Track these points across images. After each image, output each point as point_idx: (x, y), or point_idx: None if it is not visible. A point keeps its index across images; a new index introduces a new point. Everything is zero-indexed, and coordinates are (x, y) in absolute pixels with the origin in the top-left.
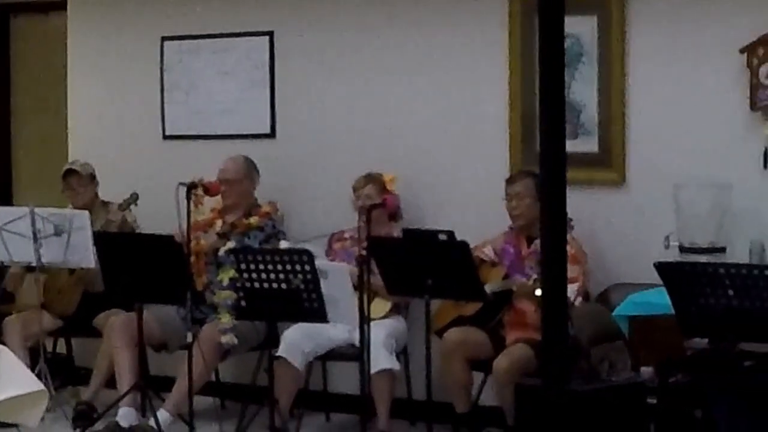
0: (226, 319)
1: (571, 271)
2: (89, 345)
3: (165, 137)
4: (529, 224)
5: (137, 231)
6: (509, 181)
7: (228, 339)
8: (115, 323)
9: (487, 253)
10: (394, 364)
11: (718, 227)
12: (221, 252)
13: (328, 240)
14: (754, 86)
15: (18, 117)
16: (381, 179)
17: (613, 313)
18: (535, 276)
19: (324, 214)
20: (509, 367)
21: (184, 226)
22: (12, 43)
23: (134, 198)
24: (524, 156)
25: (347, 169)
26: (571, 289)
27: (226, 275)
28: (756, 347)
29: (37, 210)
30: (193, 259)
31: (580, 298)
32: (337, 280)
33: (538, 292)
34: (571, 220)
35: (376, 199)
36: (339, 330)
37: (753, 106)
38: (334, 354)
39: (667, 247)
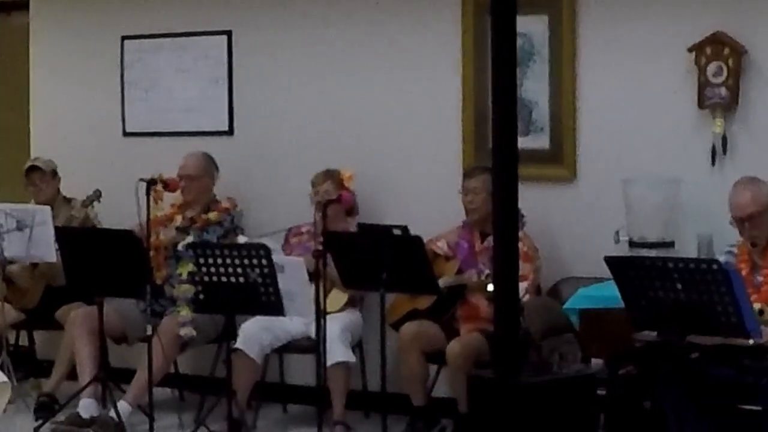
0: (185, 312)
1: (522, 268)
2: (51, 337)
3: (125, 134)
4: (483, 219)
5: (99, 227)
6: (466, 176)
7: (187, 331)
8: (77, 316)
9: (441, 246)
10: (350, 357)
11: (666, 222)
12: (180, 246)
13: (285, 235)
14: (702, 84)
15: None
16: (339, 176)
17: (564, 307)
18: (487, 271)
19: (281, 210)
20: (462, 352)
21: (144, 221)
22: None
23: (97, 195)
24: (477, 152)
25: (304, 166)
26: (522, 287)
27: (185, 269)
28: (703, 340)
29: None
30: (152, 253)
31: (528, 295)
32: (293, 274)
33: (491, 287)
34: (523, 216)
35: (334, 195)
36: (295, 323)
37: (701, 104)
38: (291, 346)
39: (617, 241)
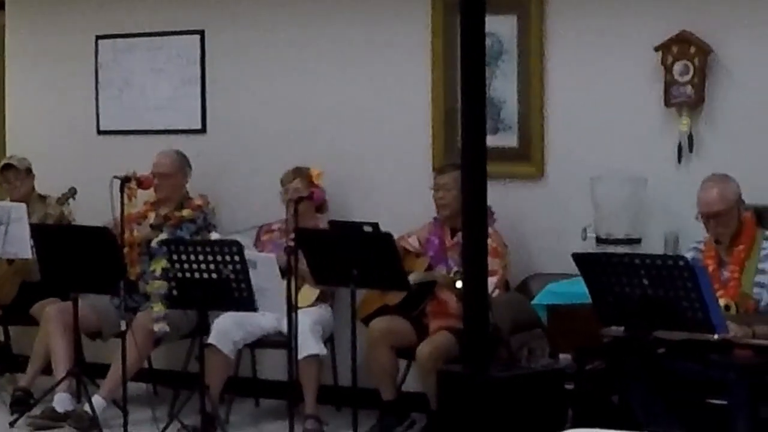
0: (158, 308)
1: (492, 264)
2: (26, 333)
3: (99, 132)
4: (453, 215)
5: (73, 224)
6: (438, 172)
7: (160, 327)
8: (52, 312)
9: (412, 243)
10: (321, 351)
11: (633, 219)
12: (154, 243)
13: (256, 232)
14: (669, 83)
15: None
16: (308, 173)
17: (533, 302)
18: (456, 268)
19: (253, 207)
20: (431, 353)
21: (118, 218)
22: None
23: (72, 192)
24: (446, 150)
25: (275, 164)
26: (491, 282)
27: (159, 265)
28: (670, 335)
29: None
30: (126, 250)
31: (497, 291)
32: (265, 270)
33: (459, 284)
34: (493, 213)
35: (304, 192)
36: (267, 318)
37: (667, 102)
38: (263, 341)
39: (584, 238)
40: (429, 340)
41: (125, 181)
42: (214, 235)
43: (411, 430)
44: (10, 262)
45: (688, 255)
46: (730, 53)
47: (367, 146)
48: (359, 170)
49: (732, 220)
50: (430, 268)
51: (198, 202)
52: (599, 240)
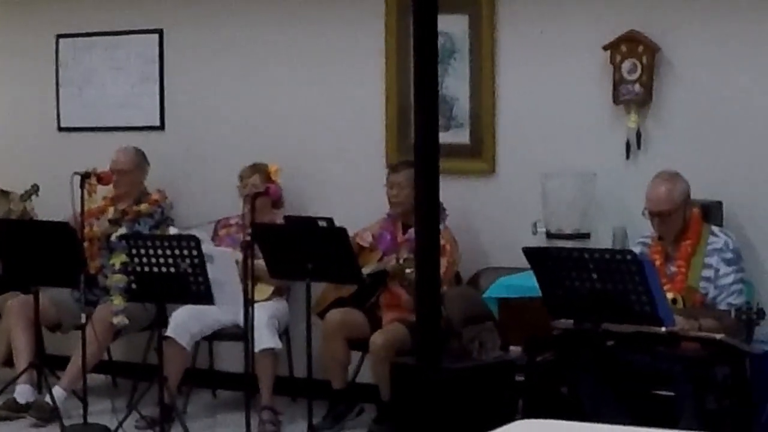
0: (117, 301)
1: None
2: None
3: (60, 129)
4: (406, 212)
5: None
6: (392, 170)
7: (119, 320)
8: (13, 305)
9: (366, 238)
10: (277, 344)
11: (583, 214)
12: (113, 237)
13: (214, 226)
14: (617, 81)
15: None
16: (266, 169)
17: (484, 296)
18: (405, 255)
19: (210, 202)
20: (384, 344)
21: (79, 213)
22: None
23: (35, 189)
24: (400, 147)
25: (232, 160)
26: None
27: (118, 260)
28: (618, 327)
29: None
30: (86, 244)
31: (447, 286)
32: (222, 264)
33: (408, 271)
34: (445, 210)
35: (261, 188)
36: (224, 311)
37: (616, 100)
38: (220, 334)
39: (534, 233)
40: (382, 331)
41: (85, 177)
42: (172, 230)
43: (361, 419)
44: None
45: (636, 249)
46: (677, 52)
47: (322, 143)
48: (315, 167)
49: (676, 219)
50: (382, 259)
51: (156, 197)
52: (549, 235)
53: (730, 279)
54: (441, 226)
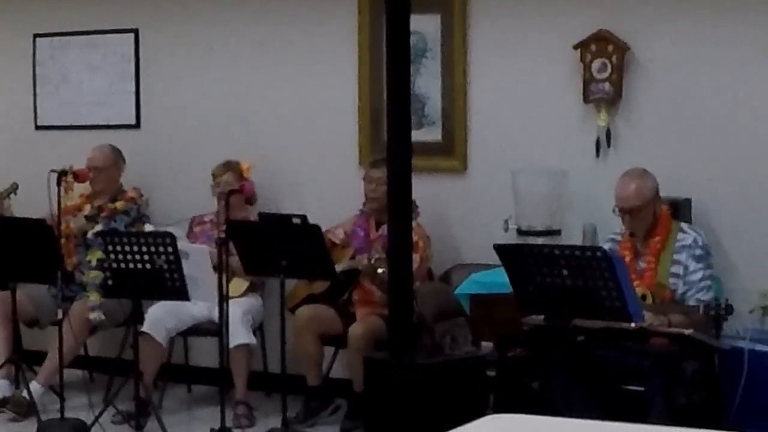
0: (94, 297)
1: None
2: None
3: (37, 127)
4: (381, 208)
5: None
6: (372, 165)
7: (96, 316)
8: None
9: (338, 235)
10: (251, 339)
11: (553, 211)
12: (90, 234)
13: (189, 223)
14: (587, 80)
15: None
16: (239, 167)
17: (456, 292)
18: (377, 255)
19: (185, 200)
20: (363, 334)
21: (56, 210)
22: None
23: (14, 187)
24: (372, 145)
25: (207, 158)
26: None
27: (94, 256)
28: (588, 323)
29: None
30: (63, 241)
31: (420, 282)
32: (197, 260)
33: (380, 270)
34: (417, 207)
35: (234, 185)
36: (199, 307)
37: (586, 98)
38: (195, 330)
39: (506, 230)
40: (361, 322)
41: (62, 174)
42: (148, 227)
43: (335, 415)
44: None
45: (606, 246)
46: (646, 51)
47: (295, 141)
48: (288, 165)
49: (647, 215)
50: (353, 257)
51: (131, 194)
52: (520, 231)
53: (698, 275)
54: (413, 223)
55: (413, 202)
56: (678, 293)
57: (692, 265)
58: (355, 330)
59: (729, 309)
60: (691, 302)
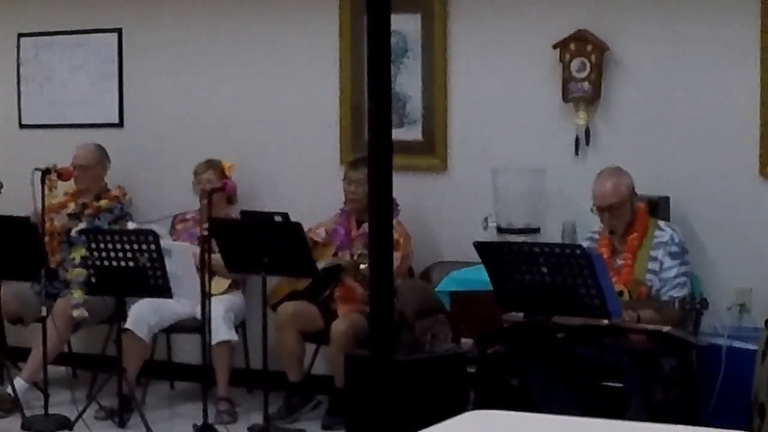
0: (77, 295)
1: None
2: None
3: (21, 126)
4: (361, 209)
5: None
6: (351, 166)
7: (79, 313)
8: None
9: (320, 233)
10: (233, 336)
11: (533, 209)
12: (73, 232)
13: (171, 221)
14: (566, 79)
15: None
16: (220, 165)
17: (436, 289)
18: (359, 251)
19: (167, 198)
20: (346, 330)
21: (39, 208)
22: None
23: None
24: (353, 144)
25: (189, 156)
26: None
27: (78, 254)
28: (567, 320)
29: None
30: (47, 239)
31: (401, 280)
32: (180, 258)
33: (363, 266)
34: (398, 205)
35: (216, 183)
36: (182, 305)
37: (565, 97)
38: (178, 327)
39: (485, 227)
40: (343, 319)
41: (46, 172)
42: (131, 225)
43: (316, 411)
44: None
45: (585, 244)
46: (625, 51)
47: (277, 140)
48: (269, 163)
49: (625, 212)
50: (336, 254)
51: (115, 192)
52: (500, 229)
53: (673, 272)
54: (394, 221)
55: (394, 201)
56: (654, 289)
57: (667, 262)
58: (338, 326)
59: (704, 303)
60: (665, 298)
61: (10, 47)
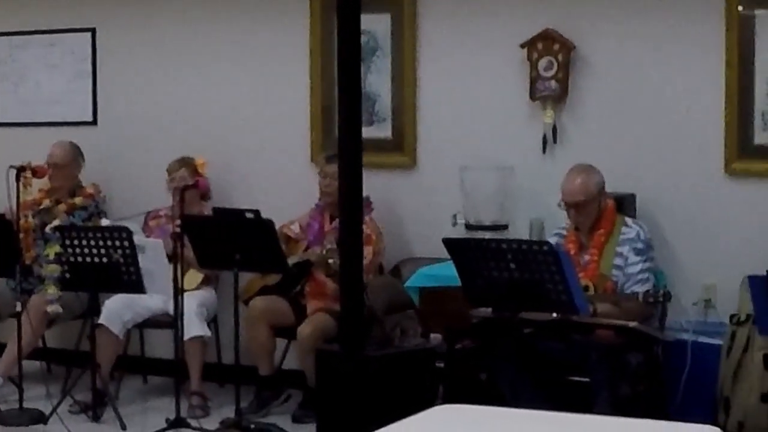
0: (52, 290)
1: (364, 251)
2: None
3: None
4: (335, 203)
5: None
6: (327, 161)
7: (54, 308)
8: None
9: (294, 229)
10: (205, 331)
11: (501, 206)
12: (48, 229)
13: (144, 218)
14: (534, 78)
15: None
16: (193, 162)
17: (406, 285)
18: (329, 246)
19: (141, 195)
20: (312, 333)
21: (14, 205)
22: None
23: None
24: (324, 142)
25: (162, 154)
26: None
27: (52, 250)
28: (535, 316)
29: None
30: (22, 235)
31: (371, 275)
32: (153, 254)
33: (331, 261)
34: (371, 203)
35: (189, 180)
36: (155, 300)
37: (533, 96)
38: (151, 322)
39: (454, 224)
40: (309, 321)
41: (21, 170)
42: (105, 222)
43: (287, 404)
44: None
45: (552, 240)
46: (591, 50)
47: (249, 138)
48: (242, 160)
49: (591, 210)
50: (307, 249)
51: (90, 190)
52: (468, 226)
53: (637, 268)
54: (366, 218)
55: (367, 198)
56: (619, 284)
57: (632, 258)
58: (304, 329)
59: (667, 296)
60: (628, 293)
61: None
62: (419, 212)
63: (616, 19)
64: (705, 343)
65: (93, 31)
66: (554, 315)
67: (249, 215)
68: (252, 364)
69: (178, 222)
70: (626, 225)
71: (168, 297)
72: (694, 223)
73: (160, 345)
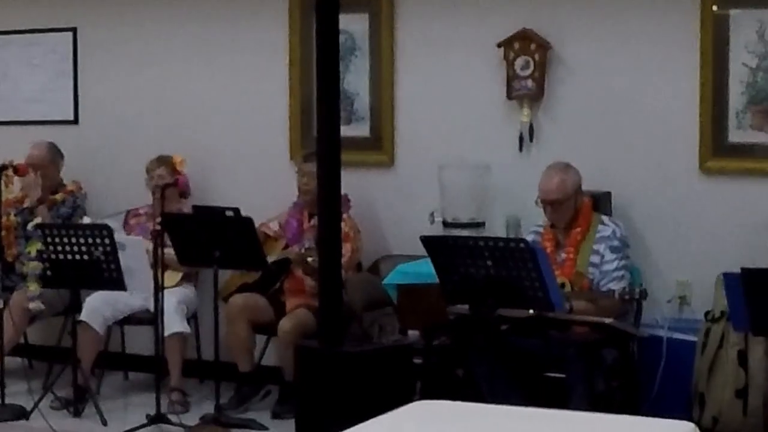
0: (33, 287)
1: (342, 248)
2: None
3: None
4: (313, 201)
5: None
6: (305, 159)
7: (35, 305)
8: None
9: (273, 227)
10: (185, 328)
11: (478, 204)
12: (29, 226)
13: (124, 216)
14: (511, 77)
15: None
16: (171, 161)
17: (383, 282)
18: (307, 245)
19: (121, 193)
20: (293, 328)
21: None
22: None
23: None
24: (303, 140)
25: (142, 152)
26: None
27: (34, 247)
28: (511, 312)
29: None
30: (3, 233)
31: (350, 273)
32: (133, 252)
33: (310, 259)
34: (350, 200)
35: (168, 179)
36: (136, 297)
37: (509, 95)
38: (131, 319)
39: (432, 222)
40: (290, 316)
41: (2, 168)
42: (86, 219)
43: (266, 400)
44: None
45: (529, 238)
46: (568, 49)
47: (228, 136)
48: (221, 158)
49: (568, 208)
50: (286, 247)
51: (71, 187)
52: (446, 224)
53: (613, 266)
54: (345, 215)
55: (345, 196)
56: (594, 282)
57: (608, 255)
58: (284, 325)
59: (644, 294)
60: (604, 290)
61: None
62: (397, 210)
63: (592, 19)
64: (680, 339)
65: (74, 30)
66: (531, 312)
67: (228, 213)
68: (231, 360)
69: (158, 220)
70: (602, 223)
71: (148, 294)
72: (669, 221)
73: (140, 341)
